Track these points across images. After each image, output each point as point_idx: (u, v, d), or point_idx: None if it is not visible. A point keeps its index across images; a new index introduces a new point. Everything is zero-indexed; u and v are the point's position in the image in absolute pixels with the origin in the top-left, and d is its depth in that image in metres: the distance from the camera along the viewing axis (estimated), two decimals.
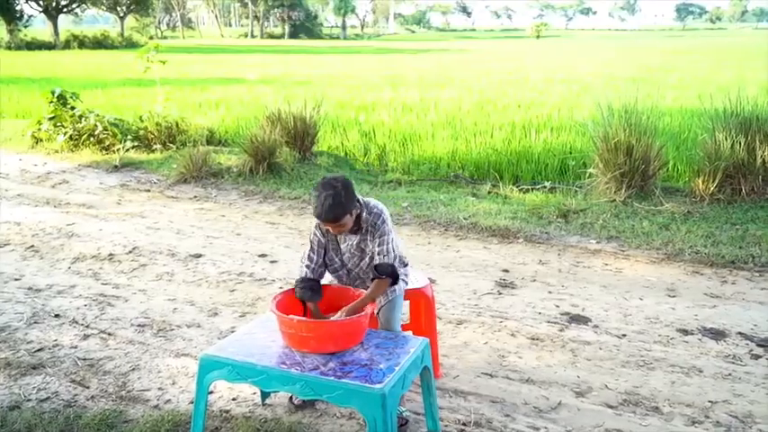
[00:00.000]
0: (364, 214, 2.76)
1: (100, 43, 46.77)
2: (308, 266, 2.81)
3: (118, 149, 8.89)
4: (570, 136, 8.68)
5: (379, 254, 2.73)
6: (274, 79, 18.35)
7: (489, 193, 6.87)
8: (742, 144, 6.21)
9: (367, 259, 2.80)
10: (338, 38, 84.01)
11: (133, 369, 3.36)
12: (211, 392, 3.06)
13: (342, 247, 2.83)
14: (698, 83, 15.68)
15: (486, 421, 2.87)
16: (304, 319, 2.68)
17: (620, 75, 19.09)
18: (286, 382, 2.38)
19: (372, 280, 2.73)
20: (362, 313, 2.60)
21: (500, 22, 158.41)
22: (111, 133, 9.18)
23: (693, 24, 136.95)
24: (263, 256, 5.15)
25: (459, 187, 7.20)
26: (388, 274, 2.72)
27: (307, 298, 2.74)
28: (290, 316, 2.58)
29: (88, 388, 3.18)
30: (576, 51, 40.47)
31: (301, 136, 8.16)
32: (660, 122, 7.53)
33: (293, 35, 78.08)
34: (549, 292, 4.35)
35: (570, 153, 7.76)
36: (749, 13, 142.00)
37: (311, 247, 2.84)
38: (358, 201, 2.71)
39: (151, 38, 55.09)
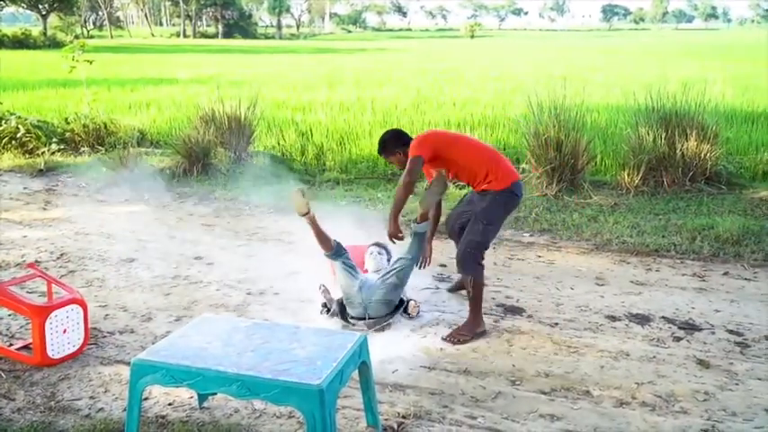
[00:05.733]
0: None
1: (21, 42, 44.45)
2: None
3: (42, 153, 8.51)
4: (504, 133, 8.90)
5: None
6: (208, 79, 17.93)
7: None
8: (663, 138, 6.54)
9: None
10: (274, 37, 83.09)
11: (62, 379, 3.23)
12: (146, 399, 2.98)
13: None
14: (623, 80, 16.33)
15: (425, 413, 2.92)
16: None
17: (551, 73, 19.64)
18: (222, 383, 2.35)
19: None
20: None
21: (435, 22, 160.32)
22: (34, 136, 8.78)
23: (619, 25, 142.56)
24: (198, 258, 5.05)
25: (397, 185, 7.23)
26: None
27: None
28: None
29: (14, 400, 3.04)
30: (508, 51, 41.42)
31: (236, 136, 8.05)
32: (588, 118, 7.81)
33: (227, 35, 76.62)
34: (485, 285, 4.44)
35: (504, 149, 7.94)
36: (669, 15, 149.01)
37: None
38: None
39: (77, 37, 52.84)
